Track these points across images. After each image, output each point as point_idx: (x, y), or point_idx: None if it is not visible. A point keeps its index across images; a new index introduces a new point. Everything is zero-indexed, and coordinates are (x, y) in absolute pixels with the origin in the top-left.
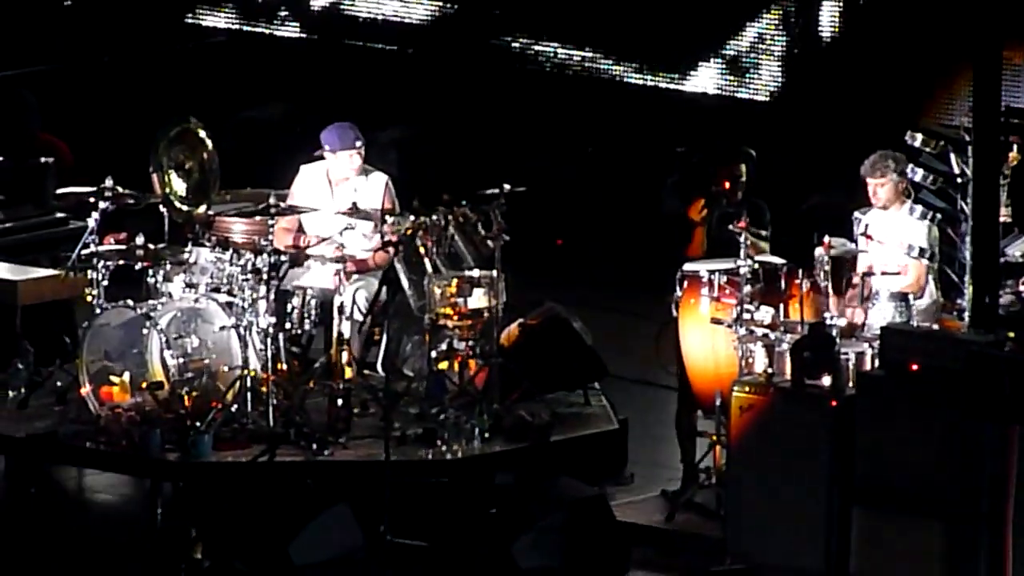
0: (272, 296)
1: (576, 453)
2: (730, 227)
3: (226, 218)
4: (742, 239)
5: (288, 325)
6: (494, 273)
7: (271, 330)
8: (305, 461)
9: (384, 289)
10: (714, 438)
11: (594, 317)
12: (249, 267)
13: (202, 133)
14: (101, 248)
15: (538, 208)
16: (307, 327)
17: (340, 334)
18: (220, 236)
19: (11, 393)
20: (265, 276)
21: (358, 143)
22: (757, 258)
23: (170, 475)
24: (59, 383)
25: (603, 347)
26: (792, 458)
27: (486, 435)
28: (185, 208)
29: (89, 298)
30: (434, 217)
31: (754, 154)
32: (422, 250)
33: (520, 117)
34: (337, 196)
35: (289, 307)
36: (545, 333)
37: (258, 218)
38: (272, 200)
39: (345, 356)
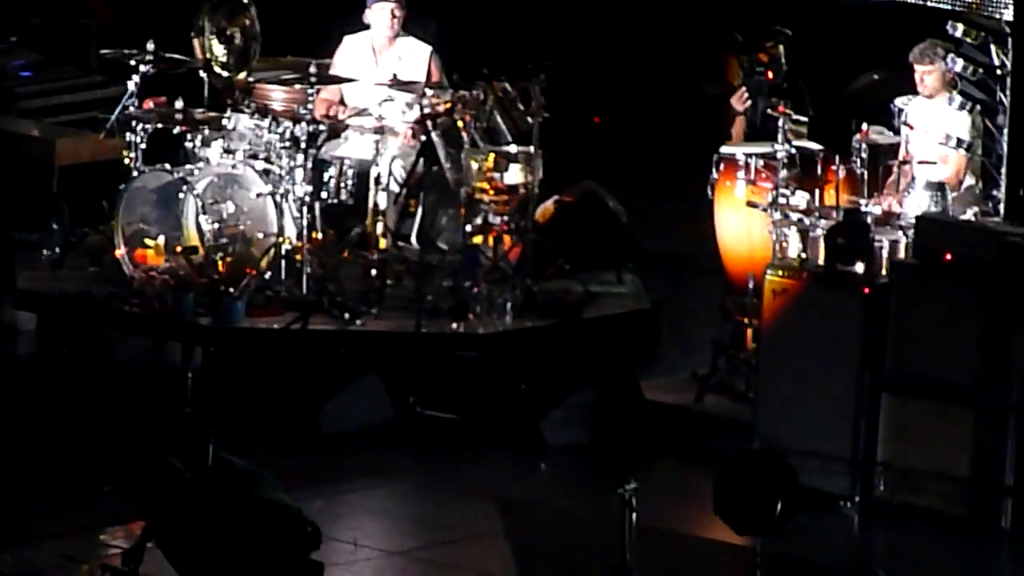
0: (309, 165)
1: (607, 332)
2: (768, 111)
3: (266, 85)
4: (780, 123)
5: (324, 194)
6: (531, 149)
7: (307, 199)
8: (337, 330)
9: (421, 161)
10: (745, 321)
11: (630, 196)
12: (287, 135)
13: None
14: (140, 111)
15: (577, 85)
16: (343, 197)
17: (376, 205)
18: (259, 103)
19: (46, 253)
20: (303, 145)
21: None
22: (795, 143)
23: (202, 340)
24: (94, 244)
25: (638, 226)
26: (823, 343)
27: (518, 310)
28: (225, 74)
29: (127, 161)
30: (473, 91)
31: (790, 34)
32: (460, 124)
33: None
34: (380, 66)
35: (326, 176)
36: (580, 210)
37: (298, 86)
38: (312, 69)
39: (380, 227)
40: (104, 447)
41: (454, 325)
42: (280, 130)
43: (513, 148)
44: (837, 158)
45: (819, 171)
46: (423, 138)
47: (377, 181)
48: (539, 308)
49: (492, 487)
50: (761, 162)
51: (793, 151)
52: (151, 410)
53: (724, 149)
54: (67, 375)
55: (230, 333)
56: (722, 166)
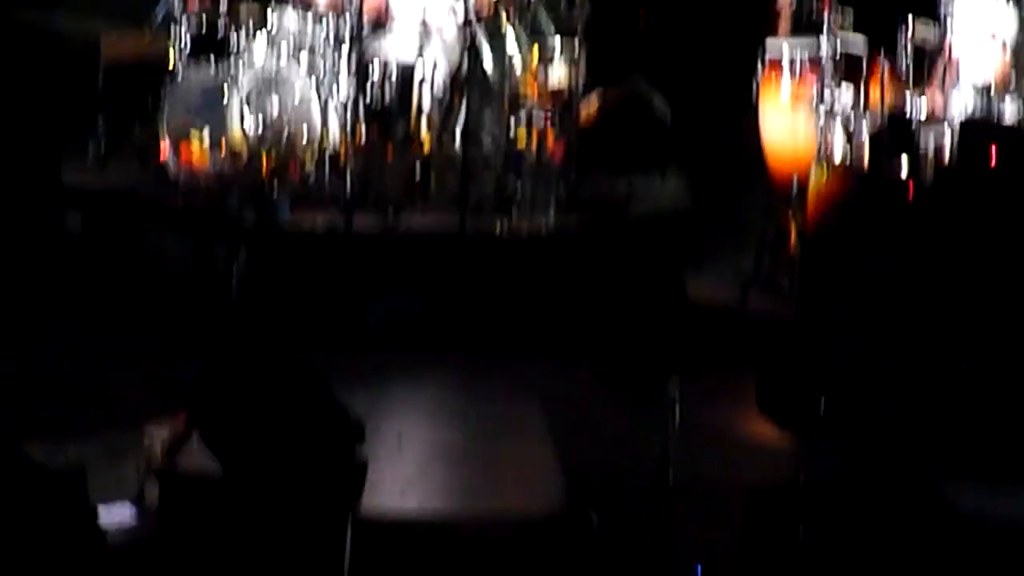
0: (354, 63)
1: (651, 231)
2: (812, 11)
3: None
4: (825, 19)
5: (368, 93)
6: (576, 47)
7: (351, 97)
8: (380, 229)
9: (465, 59)
10: (790, 220)
11: (676, 93)
12: (333, 33)
13: None
14: (185, 8)
15: None
16: (387, 96)
17: (420, 103)
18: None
19: (91, 151)
20: (348, 42)
21: None
22: (840, 39)
23: (247, 238)
24: (139, 143)
25: (683, 125)
26: (867, 243)
27: (561, 209)
28: None
29: (172, 59)
30: None
31: None
32: (505, 21)
33: None
34: None
35: (370, 75)
36: (624, 110)
37: None
38: None
39: (424, 126)
40: (149, 343)
41: (497, 224)
42: (326, 27)
43: (558, 46)
44: (882, 56)
45: (864, 70)
46: (468, 36)
47: (421, 80)
48: (582, 208)
49: (537, 384)
50: (806, 60)
51: (837, 49)
52: (196, 308)
53: (768, 48)
54: (113, 273)
55: (274, 231)
56: (766, 65)
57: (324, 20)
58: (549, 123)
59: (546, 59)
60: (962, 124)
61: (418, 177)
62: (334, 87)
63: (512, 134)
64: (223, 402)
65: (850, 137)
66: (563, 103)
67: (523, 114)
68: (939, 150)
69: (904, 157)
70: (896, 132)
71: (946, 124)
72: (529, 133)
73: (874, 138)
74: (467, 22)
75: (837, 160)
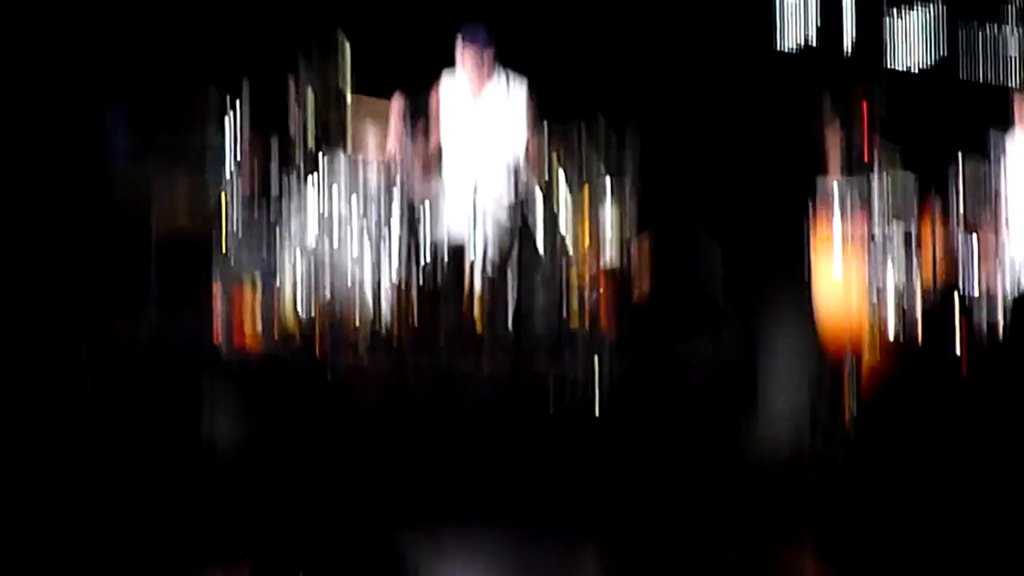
0: (404, 244)
1: (705, 399)
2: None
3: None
4: (873, 155)
5: (420, 278)
6: (627, 188)
7: (403, 277)
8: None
9: (517, 243)
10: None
11: (725, 234)
12: (383, 213)
13: None
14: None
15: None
16: (439, 280)
17: (471, 287)
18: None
19: (143, 328)
20: (401, 220)
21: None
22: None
23: (302, 420)
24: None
25: (735, 279)
26: (921, 419)
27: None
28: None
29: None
30: (567, 131)
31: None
32: (556, 163)
33: None
34: (480, 107)
35: (421, 259)
36: (676, 289)
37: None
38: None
39: (476, 310)
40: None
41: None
42: (377, 206)
43: (608, 184)
44: (932, 191)
45: (916, 204)
46: (518, 217)
47: (472, 264)
48: (635, 382)
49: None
50: (856, 199)
51: (888, 186)
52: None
53: (819, 185)
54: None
55: (329, 411)
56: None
57: (374, 201)
58: (602, 301)
59: (596, 201)
60: (1015, 300)
61: (471, 357)
62: (384, 265)
63: (564, 314)
64: None
65: (903, 313)
66: (616, 283)
67: (575, 293)
68: (992, 326)
69: (957, 334)
70: (949, 308)
71: (999, 298)
72: (581, 312)
73: (927, 315)
74: (517, 203)
75: (891, 337)
